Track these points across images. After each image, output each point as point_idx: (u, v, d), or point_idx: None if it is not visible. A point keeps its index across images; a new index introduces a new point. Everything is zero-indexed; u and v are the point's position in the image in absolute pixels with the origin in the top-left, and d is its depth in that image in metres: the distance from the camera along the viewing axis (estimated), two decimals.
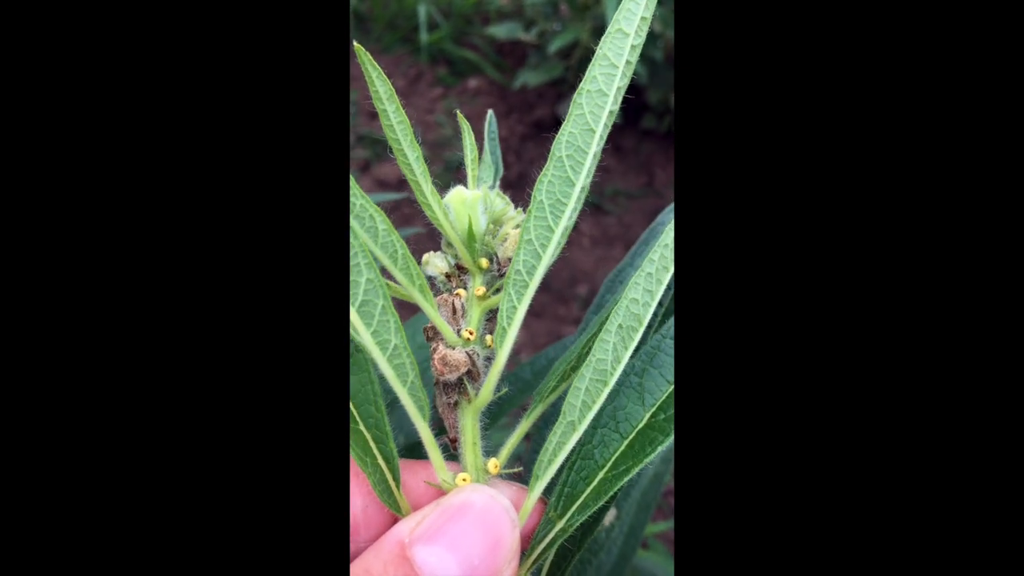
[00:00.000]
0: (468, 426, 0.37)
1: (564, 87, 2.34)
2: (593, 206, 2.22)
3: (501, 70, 2.49)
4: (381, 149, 2.34)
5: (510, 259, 0.38)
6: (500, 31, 2.36)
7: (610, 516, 0.55)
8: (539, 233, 0.34)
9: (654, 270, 0.32)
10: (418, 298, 0.37)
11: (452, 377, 0.36)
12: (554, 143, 0.33)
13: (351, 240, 0.31)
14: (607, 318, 0.34)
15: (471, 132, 0.41)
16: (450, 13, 2.62)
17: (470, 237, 0.38)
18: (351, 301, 0.31)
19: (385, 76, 0.34)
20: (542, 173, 0.34)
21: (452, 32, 2.56)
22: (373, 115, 2.41)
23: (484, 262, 0.39)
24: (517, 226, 0.39)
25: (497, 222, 0.39)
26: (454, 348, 0.37)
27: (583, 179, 0.34)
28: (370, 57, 0.33)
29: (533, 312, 2.04)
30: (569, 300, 2.02)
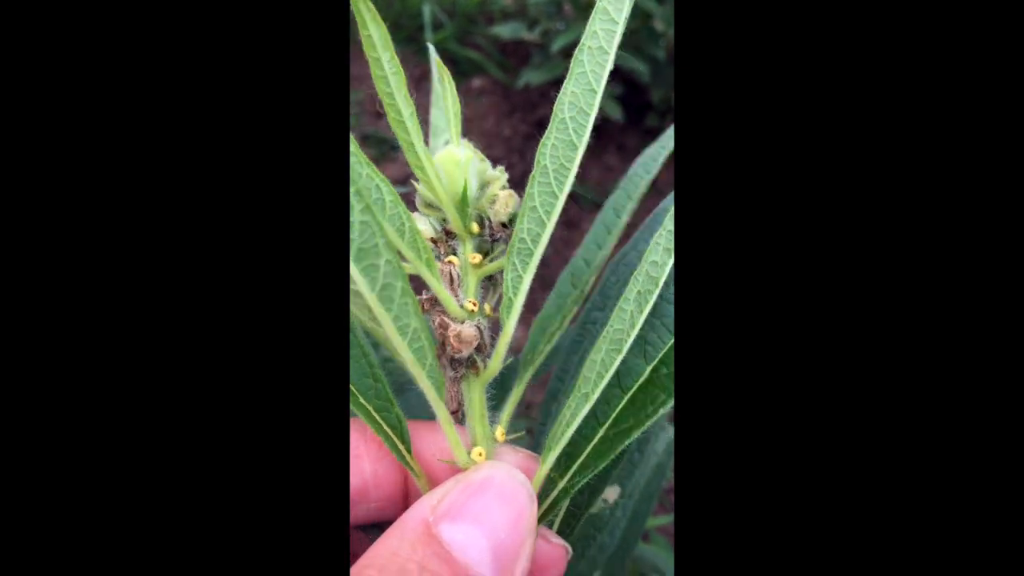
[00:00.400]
0: (476, 399, 0.37)
1: None
2: (596, 204, 2.22)
3: (505, 69, 2.49)
4: (387, 148, 2.34)
5: (502, 223, 0.37)
6: (504, 30, 2.37)
7: (614, 493, 0.56)
8: (543, 199, 0.33)
9: (674, 228, 0.31)
10: (424, 272, 0.36)
11: (466, 353, 0.36)
12: (556, 104, 0.33)
13: (368, 220, 0.30)
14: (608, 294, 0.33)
15: (451, 82, 0.38)
16: (454, 13, 2.62)
17: (463, 200, 0.36)
18: (372, 286, 0.30)
19: (380, 20, 0.32)
20: (545, 136, 0.33)
21: (456, 32, 2.56)
22: (378, 115, 2.41)
23: (475, 227, 0.37)
24: (503, 187, 0.38)
25: (484, 184, 0.38)
26: (463, 322, 0.36)
27: (584, 142, 0.33)
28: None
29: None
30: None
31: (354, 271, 0.28)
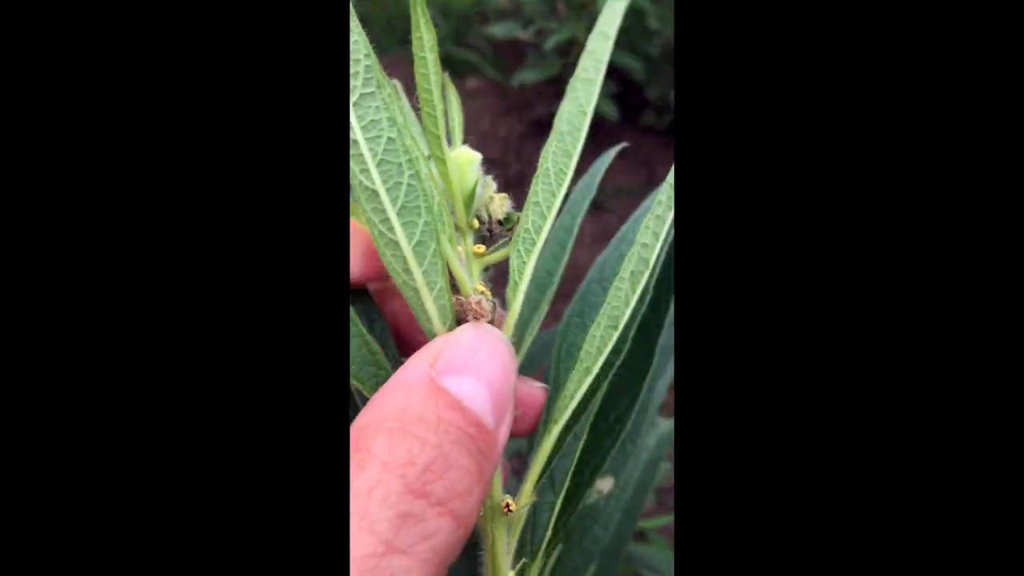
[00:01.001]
0: None
1: (562, 85, 2.36)
2: (593, 204, 2.24)
3: (500, 69, 2.52)
4: None
5: (499, 220, 0.41)
6: (498, 30, 2.40)
7: (607, 484, 0.58)
8: (545, 196, 0.38)
9: (661, 212, 0.36)
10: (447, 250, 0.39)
11: (485, 321, 0.39)
12: (556, 117, 0.39)
13: (416, 184, 0.33)
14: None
15: (455, 91, 0.44)
16: (448, 13, 2.65)
17: (471, 195, 0.41)
18: (409, 240, 0.34)
19: (432, 25, 0.37)
20: (547, 143, 0.39)
21: (451, 33, 2.59)
22: None
23: (475, 222, 0.42)
24: (497, 190, 0.42)
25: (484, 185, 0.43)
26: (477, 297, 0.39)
27: (578, 152, 0.39)
28: None
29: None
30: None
31: (396, 225, 0.34)
